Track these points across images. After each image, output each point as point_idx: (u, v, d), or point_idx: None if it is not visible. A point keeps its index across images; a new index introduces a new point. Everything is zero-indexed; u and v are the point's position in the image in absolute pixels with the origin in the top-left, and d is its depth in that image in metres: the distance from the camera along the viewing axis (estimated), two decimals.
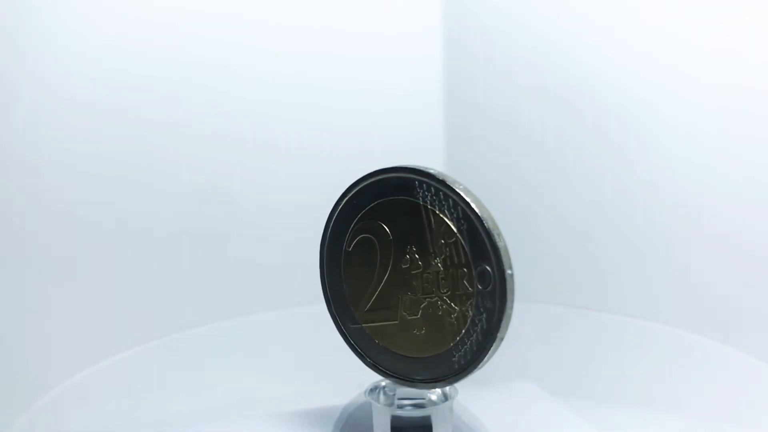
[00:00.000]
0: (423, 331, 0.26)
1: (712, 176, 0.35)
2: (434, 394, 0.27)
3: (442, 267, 0.25)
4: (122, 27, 0.35)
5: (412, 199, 0.25)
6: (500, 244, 0.24)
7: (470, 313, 0.25)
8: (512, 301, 0.24)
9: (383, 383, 0.28)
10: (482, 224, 0.24)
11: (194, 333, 0.38)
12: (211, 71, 0.38)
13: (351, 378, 0.29)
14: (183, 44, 0.37)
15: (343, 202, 0.27)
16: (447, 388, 0.27)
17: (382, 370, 0.27)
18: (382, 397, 0.28)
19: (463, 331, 0.25)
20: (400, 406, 0.27)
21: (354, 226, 0.27)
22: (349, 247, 0.27)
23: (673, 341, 0.36)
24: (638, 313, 0.37)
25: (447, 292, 0.25)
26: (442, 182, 0.25)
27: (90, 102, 0.34)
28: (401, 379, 0.27)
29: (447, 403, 0.27)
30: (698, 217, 0.36)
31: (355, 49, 0.41)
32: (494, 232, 0.24)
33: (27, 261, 0.32)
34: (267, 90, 0.39)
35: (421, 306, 0.26)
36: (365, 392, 0.28)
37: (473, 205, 0.24)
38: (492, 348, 0.24)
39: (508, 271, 0.24)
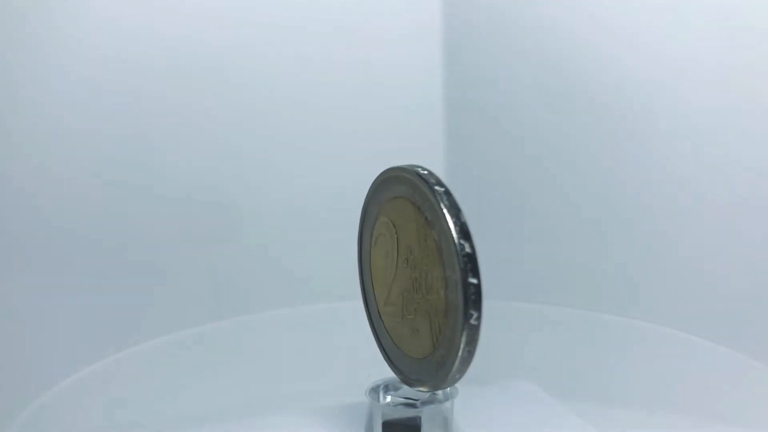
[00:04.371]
0: (418, 332, 0.26)
1: (712, 177, 0.35)
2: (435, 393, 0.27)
3: (426, 269, 0.25)
4: (124, 29, 0.35)
5: (410, 199, 0.25)
6: (462, 252, 0.23)
7: (444, 319, 0.24)
8: (478, 311, 0.23)
9: (387, 382, 0.28)
10: (449, 229, 0.23)
11: (194, 333, 0.38)
12: (213, 74, 0.38)
13: (358, 377, 0.29)
14: (184, 48, 0.37)
15: (369, 198, 0.28)
16: (448, 388, 0.27)
17: (393, 366, 0.27)
18: (381, 395, 0.28)
19: (439, 337, 0.24)
20: (394, 404, 0.27)
21: (374, 223, 0.27)
22: (372, 242, 0.28)
23: (672, 341, 0.36)
24: (637, 313, 0.37)
25: (429, 295, 0.25)
26: (426, 183, 0.24)
27: (90, 103, 0.34)
28: (404, 377, 0.27)
29: (445, 403, 0.27)
30: (698, 218, 0.36)
31: (356, 51, 0.41)
32: (456, 239, 0.23)
33: (26, 261, 0.32)
34: (268, 92, 0.39)
35: (415, 307, 0.26)
36: (366, 391, 0.28)
37: (444, 209, 0.23)
38: (457, 357, 0.23)
39: (472, 281, 0.23)
